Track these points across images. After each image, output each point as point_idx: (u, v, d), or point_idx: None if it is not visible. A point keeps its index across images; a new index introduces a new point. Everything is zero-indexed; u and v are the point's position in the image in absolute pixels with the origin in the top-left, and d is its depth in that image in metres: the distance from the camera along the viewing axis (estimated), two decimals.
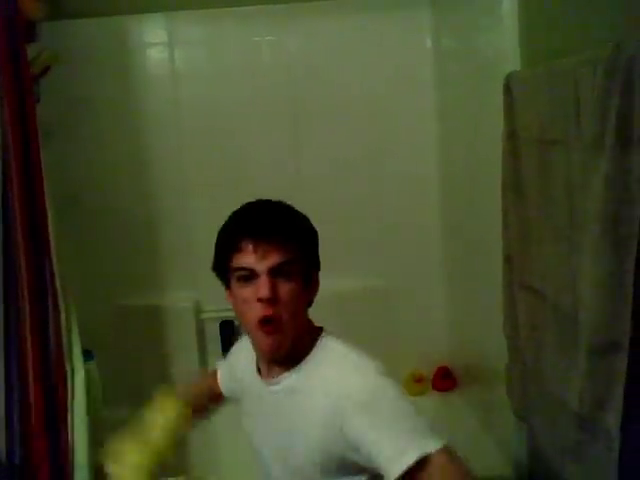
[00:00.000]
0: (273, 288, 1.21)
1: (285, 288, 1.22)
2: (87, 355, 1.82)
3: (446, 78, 2.53)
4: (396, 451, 1.08)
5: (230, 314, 2.67)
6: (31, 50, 1.78)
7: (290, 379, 1.28)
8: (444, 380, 2.69)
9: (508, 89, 1.72)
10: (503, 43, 1.86)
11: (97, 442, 1.73)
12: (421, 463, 1.06)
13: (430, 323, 2.73)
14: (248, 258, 1.22)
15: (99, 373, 1.86)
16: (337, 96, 2.63)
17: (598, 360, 1.25)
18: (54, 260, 1.72)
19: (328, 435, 1.18)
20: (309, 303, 1.33)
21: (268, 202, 1.30)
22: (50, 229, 1.72)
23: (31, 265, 1.68)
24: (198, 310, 2.70)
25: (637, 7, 1.22)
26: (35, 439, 1.64)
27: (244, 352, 1.43)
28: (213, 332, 2.70)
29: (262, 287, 1.20)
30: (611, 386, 1.20)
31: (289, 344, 1.25)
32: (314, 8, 2.60)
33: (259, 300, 1.20)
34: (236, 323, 2.70)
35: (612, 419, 1.21)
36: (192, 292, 2.68)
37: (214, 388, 1.58)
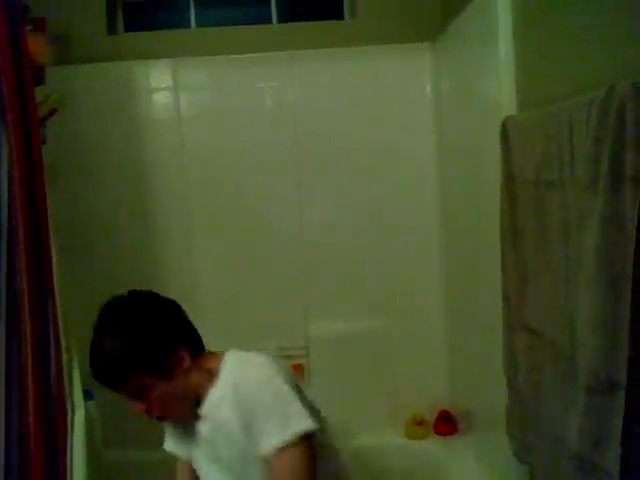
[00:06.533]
0: (140, 405, 1.47)
1: (148, 398, 1.46)
2: (87, 395, 1.82)
3: (446, 123, 2.57)
4: (268, 435, 1.39)
5: None
6: (39, 93, 1.82)
7: (208, 403, 1.51)
8: (446, 424, 2.67)
9: (505, 133, 1.75)
10: (500, 88, 1.90)
11: None
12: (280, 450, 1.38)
13: (431, 366, 2.73)
14: None
15: (99, 414, 1.85)
16: (339, 142, 2.68)
17: (596, 399, 1.25)
18: (57, 299, 1.73)
19: (240, 422, 1.43)
20: (183, 372, 1.50)
21: (94, 341, 1.51)
22: (54, 269, 1.74)
23: (34, 304, 1.69)
24: None
25: (628, 51, 1.25)
26: (34, 472, 1.63)
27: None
28: None
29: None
30: (609, 425, 1.20)
31: (188, 410, 1.52)
32: (316, 55, 2.68)
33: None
34: None
35: (611, 458, 1.20)
36: None
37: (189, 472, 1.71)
